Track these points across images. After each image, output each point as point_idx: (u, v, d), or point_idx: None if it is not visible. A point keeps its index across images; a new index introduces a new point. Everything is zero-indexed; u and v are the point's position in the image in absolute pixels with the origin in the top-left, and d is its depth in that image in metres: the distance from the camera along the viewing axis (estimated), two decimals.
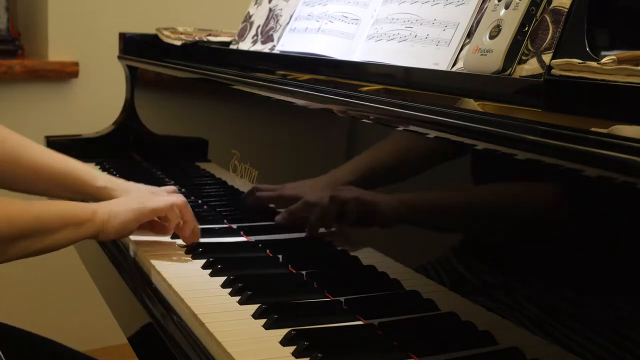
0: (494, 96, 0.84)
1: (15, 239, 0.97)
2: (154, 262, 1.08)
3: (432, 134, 0.84)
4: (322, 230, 1.06)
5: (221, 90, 1.43)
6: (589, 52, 0.76)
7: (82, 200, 1.25)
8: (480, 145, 0.76)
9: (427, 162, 0.89)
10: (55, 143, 1.84)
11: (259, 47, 1.49)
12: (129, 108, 1.92)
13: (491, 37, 0.88)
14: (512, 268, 0.76)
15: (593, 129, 0.64)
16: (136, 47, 1.88)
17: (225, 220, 1.32)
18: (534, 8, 0.85)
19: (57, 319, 2.37)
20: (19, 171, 1.25)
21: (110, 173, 1.68)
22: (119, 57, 1.92)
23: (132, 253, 1.17)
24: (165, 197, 1.15)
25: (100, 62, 2.36)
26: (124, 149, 1.90)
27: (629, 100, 0.67)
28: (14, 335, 1.21)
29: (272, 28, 1.48)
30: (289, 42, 1.35)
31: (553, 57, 0.78)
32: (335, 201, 1.00)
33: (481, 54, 0.89)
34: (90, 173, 1.29)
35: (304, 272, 1.05)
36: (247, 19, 1.59)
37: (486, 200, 0.80)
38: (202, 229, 1.20)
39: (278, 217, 1.14)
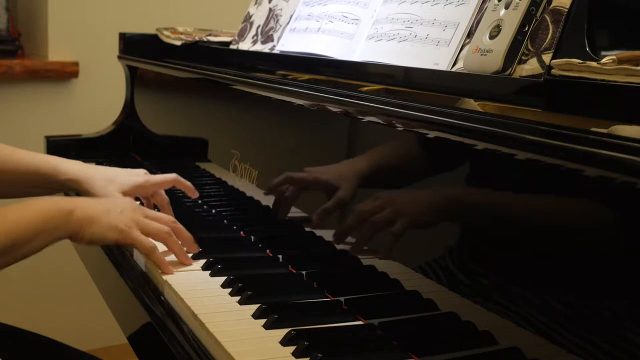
0: (494, 96, 0.84)
1: None
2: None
3: (432, 134, 0.84)
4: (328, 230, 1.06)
5: (221, 90, 1.43)
6: (589, 52, 0.76)
7: (50, 194, 1.25)
8: (480, 145, 0.76)
9: (427, 162, 0.89)
10: (55, 143, 1.84)
11: (259, 47, 1.49)
12: (129, 108, 1.92)
13: (491, 37, 0.88)
14: (512, 268, 0.76)
15: (593, 129, 0.64)
16: (136, 47, 1.88)
17: (225, 221, 1.32)
18: (534, 8, 0.85)
19: (57, 319, 2.37)
20: None
21: None
22: (119, 57, 1.92)
23: (131, 253, 1.17)
24: (153, 227, 1.07)
25: (100, 62, 2.37)
26: (124, 149, 1.90)
27: (629, 100, 0.67)
28: (17, 335, 1.21)
29: (272, 28, 1.48)
30: (289, 42, 1.35)
31: (553, 57, 0.78)
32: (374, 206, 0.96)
33: (481, 54, 0.89)
34: (55, 167, 1.26)
35: (304, 272, 1.05)
36: (247, 19, 1.59)
37: (486, 200, 0.80)
38: (203, 229, 1.20)
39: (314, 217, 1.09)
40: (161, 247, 1.08)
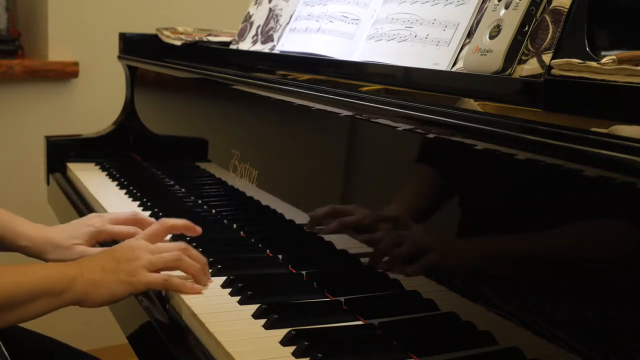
0: (494, 96, 0.84)
1: None
2: None
3: (432, 134, 0.84)
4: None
5: (221, 90, 1.43)
6: (589, 52, 0.76)
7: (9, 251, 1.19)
8: (480, 145, 0.76)
9: (427, 162, 0.89)
10: (55, 143, 1.84)
11: (259, 47, 1.49)
12: (129, 108, 1.92)
13: (491, 37, 0.88)
14: (512, 268, 0.76)
15: (593, 129, 0.64)
16: (136, 47, 1.88)
17: (225, 221, 1.32)
18: (534, 8, 0.85)
19: (57, 319, 2.36)
20: None
21: (110, 173, 1.68)
22: (119, 57, 1.93)
23: None
24: (162, 260, 1.00)
25: (100, 62, 2.36)
26: (124, 149, 1.90)
27: (629, 100, 0.67)
28: (17, 335, 1.21)
29: (272, 28, 1.47)
30: (289, 42, 1.35)
31: (553, 57, 0.78)
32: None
33: (481, 54, 0.89)
34: (15, 231, 1.18)
35: (304, 272, 1.05)
36: (247, 19, 1.59)
37: (486, 200, 0.80)
38: (203, 229, 1.20)
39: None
40: None
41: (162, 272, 0.99)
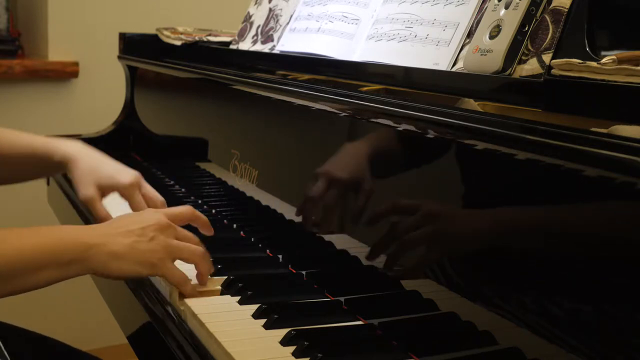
0: (494, 96, 0.84)
1: None
2: None
3: (432, 134, 0.84)
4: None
5: (221, 90, 1.43)
6: (589, 52, 0.76)
7: (48, 175, 1.21)
8: (480, 145, 0.76)
9: (427, 162, 0.89)
10: None
11: (259, 47, 1.49)
12: (129, 108, 1.92)
13: (491, 37, 0.88)
14: (512, 268, 0.76)
15: (593, 129, 0.64)
16: (136, 47, 1.88)
17: (225, 221, 1.32)
18: (534, 8, 0.85)
19: (57, 319, 2.37)
20: None
21: None
22: (119, 57, 1.93)
23: None
24: (187, 250, 0.97)
25: (100, 62, 2.37)
26: (124, 149, 1.90)
27: (629, 100, 0.67)
28: (17, 335, 1.21)
29: (272, 28, 1.48)
30: (289, 42, 1.35)
31: (553, 57, 0.78)
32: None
33: (481, 54, 0.89)
34: (48, 149, 1.22)
35: (304, 272, 1.05)
36: (247, 19, 1.59)
37: (486, 201, 0.80)
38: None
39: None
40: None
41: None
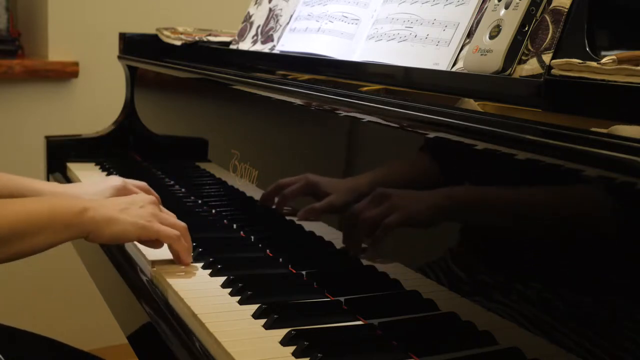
0: (494, 96, 0.84)
1: None
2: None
3: (432, 134, 0.84)
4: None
5: (221, 90, 1.44)
6: (589, 52, 0.76)
7: None
8: (480, 145, 0.76)
9: (427, 162, 0.89)
10: (55, 143, 1.84)
11: (259, 47, 1.49)
12: (129, 108, 1.92)
13: (491, 37, 0.88)
14: (512, 268, 0.76)
15: (593, 129, 0.64)
16: (136, 47, 1.88)
17: (225, 221, 1.32)
18: (534, 8, 0.85)
19: (57, 319, 2.37)
20: None
21: (110, 173, 1.68)
22: (119, 57, 1.93)
23: (130, 252, 1.17)
24: (172, 221, 1.07)
25: (100, 62, 2.37)
26: (124, 149, 1.90)
27: (629, 100, 0.67)
28: (17, 335, 1.21)
29: (272, 28, 1.48)
30: (289, 42, 1.35)
31: (553, 57, 0.78)
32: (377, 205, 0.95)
33: (481, 54, 0.89)
34: (34, 189, 1.22)
35: (304, 272, 1.05)
36: (247, 19, 1.59)
37: (486, 200, 0.80)
38: (203, 229, 1.20)
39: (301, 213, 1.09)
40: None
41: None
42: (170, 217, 1.08)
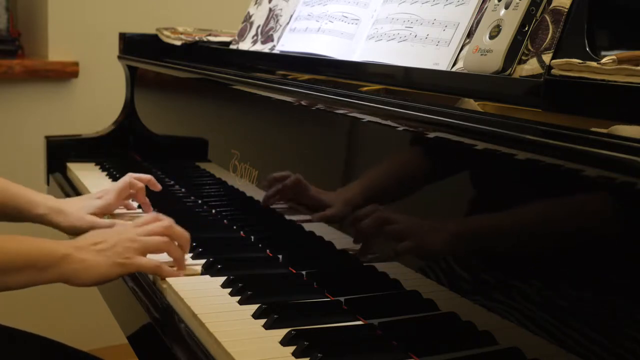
0: (494, 96, 0.84)
1: None
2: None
3: (432, 134, 0.84)
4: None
5: (221, 90, 1.43)
6: (589, 52, 0.76)
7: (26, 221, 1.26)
8: (480, 145, 0.76)
9: (427, 162, 0.89)
10: (55, 143, 1.84)
11: (259, 47, 1.49)
12: (129, 108, 1.92)
13: (491, 37, 0.88)
14: (512, 268, 0.76)
15: (593, 129, 0.64)
16: (136, 47, 1.88)
17: (225, 221, 1.32)
18: (534, 8, 0.85)
19: (57, 319, 2.37)
20: None
21: (110, 173, 1.68)
22: (119, 57, 1.93)
23: None
24: (152, 243, 1.05)
25: (100, 62, 2.36)
26: (124, 149, 1.90)
27: (629, 100, 0.67)
28: (17, 336, 1.21)
29: (272, 28, 1.48)
30: (289, 42, 1.35)
31: (553, 57, 0.78)
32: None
33: (481, 54, 0.89)
34: (30, 200, 1.25)
35: (304, 272, 1.05)
36: (247, 19, 1.59)
37: (486, 200, 0.80)
38: (203, 229, 1.20)
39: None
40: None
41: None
42: (151, 222, 1.07)
